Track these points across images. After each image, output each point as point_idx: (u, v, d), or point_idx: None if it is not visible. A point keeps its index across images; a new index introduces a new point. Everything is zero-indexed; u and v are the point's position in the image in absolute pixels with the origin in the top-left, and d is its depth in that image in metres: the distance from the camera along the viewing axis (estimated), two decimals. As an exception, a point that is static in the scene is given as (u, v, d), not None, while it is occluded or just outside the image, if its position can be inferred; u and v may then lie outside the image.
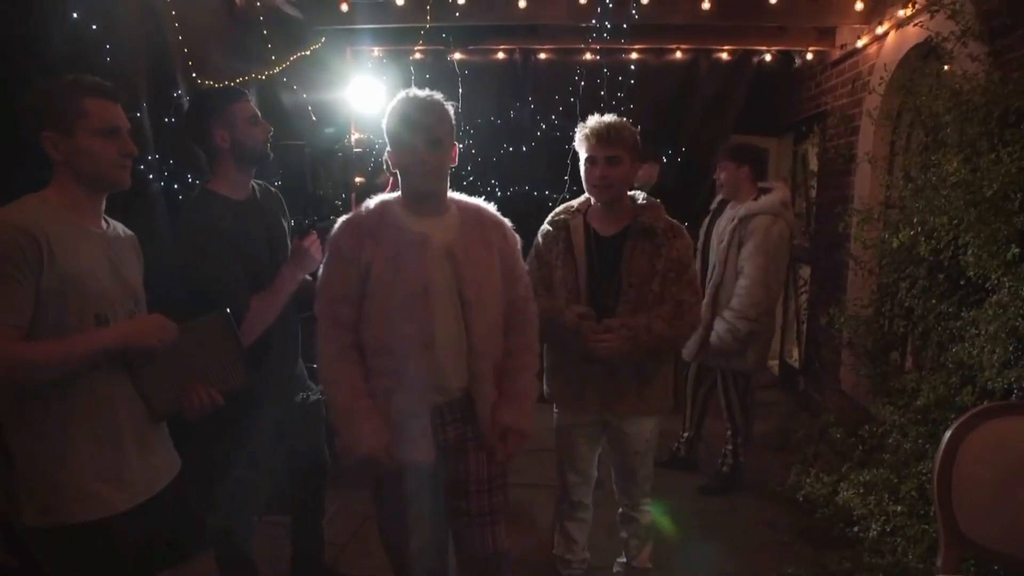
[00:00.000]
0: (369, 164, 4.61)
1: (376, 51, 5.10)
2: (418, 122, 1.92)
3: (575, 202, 2.52)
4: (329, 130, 4.40)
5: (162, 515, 1.82)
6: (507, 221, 2.16)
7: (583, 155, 2.39)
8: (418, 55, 5.03)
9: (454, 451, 2.08)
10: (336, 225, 2.02)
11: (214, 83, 3.16)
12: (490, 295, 2.02)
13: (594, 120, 2.37)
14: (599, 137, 2.31)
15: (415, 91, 1.98)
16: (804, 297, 5.10)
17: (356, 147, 4.75)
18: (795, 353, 5.35)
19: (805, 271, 5.04)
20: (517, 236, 2.16)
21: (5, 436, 1.59)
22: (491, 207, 2.14)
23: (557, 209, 2.55)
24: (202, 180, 2.39)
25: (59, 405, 1.60)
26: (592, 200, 2.44)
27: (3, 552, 2.08)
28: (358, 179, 4.76)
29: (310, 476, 2.66)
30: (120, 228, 1.84)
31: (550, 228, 2.49)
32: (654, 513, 2.72)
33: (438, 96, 1.98)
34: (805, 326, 5.08)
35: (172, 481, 1.86)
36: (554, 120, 5.10)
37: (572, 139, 2.43)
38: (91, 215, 1.72)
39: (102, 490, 1.63)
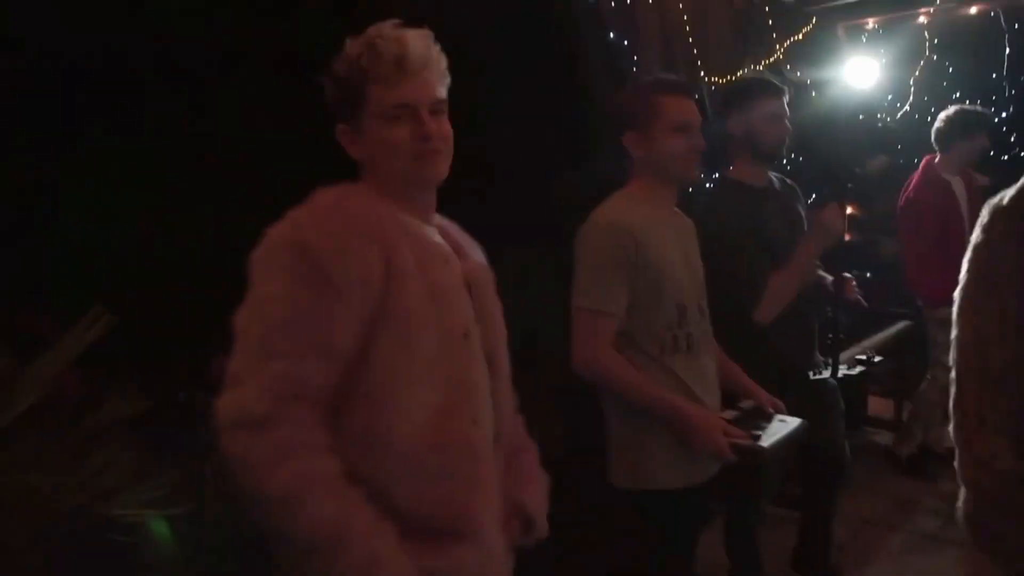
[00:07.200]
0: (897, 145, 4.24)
1: (871, 22, 4.70)
2: None
3: None
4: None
5: (707, 499, 1.91)
6: None
7: None
8: (922, 19, 4.46)
9: None
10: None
11: (721, 77, 3.26)
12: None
13: None
14: None
15: None
16: None
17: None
18: None
19: None
20: None
21: (601, 403, 1.78)
22: None
23: None
24: (720, 170, 2.47)
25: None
26: None
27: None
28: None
29: (826, 470, 2.52)
30: (685, 218, 1.89)
31: None
32: None
33: None
34: None
35: None
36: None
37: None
38: (667, 207, 1.80)
39: (681, 465, 1.72)
